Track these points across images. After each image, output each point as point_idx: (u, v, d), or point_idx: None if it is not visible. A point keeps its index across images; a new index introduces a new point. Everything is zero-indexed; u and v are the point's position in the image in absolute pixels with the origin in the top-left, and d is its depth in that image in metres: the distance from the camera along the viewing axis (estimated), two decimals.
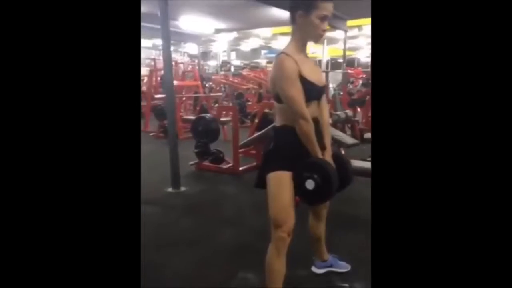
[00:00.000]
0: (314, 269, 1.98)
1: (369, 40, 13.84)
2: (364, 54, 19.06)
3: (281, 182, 1.47)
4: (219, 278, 1.95)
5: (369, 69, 11.89)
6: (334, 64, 15.69)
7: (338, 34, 11.71)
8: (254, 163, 4.38)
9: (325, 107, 1.62)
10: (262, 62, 19.53)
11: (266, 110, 5.01)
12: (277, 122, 1.53)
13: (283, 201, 1.47)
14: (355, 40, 15.30)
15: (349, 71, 10.33)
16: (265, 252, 1.54)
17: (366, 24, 10.03)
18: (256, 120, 4.85)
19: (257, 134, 4.44)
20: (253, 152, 4.51)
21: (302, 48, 1.47)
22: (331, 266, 1.98)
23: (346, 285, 1.90)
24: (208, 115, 4.48)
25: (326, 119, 1.61)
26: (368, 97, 7.18)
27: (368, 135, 5.82)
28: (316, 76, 1.46)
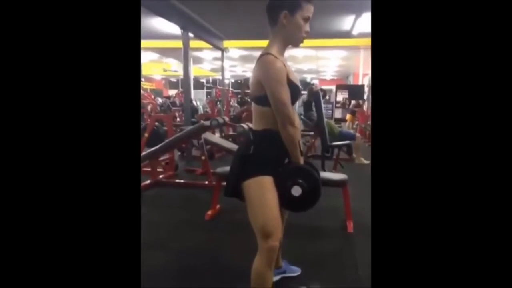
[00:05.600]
0: None
1: (232, 62, 14.62)
2: (227, 75, 19.98)
3: (266, 188, 1.36)
4: None
5: (236, 90, 12.51)
6: (196, 84, 15.82)
7: (203, 54, 11.96)
8: (149, 181, 4.00)
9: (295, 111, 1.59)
10: None
11: (157, 124, 4.69)
12: (257, 126, 1.43)
13: (271, 208, 1.35)
14: (219, 61, 15.92)
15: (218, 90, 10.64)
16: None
17: (232, 47, 10.56)
18: (146, 135, 4.47)
19: (150, 150, 4.09)
20: (148, 169, 4.11)
21: (283, 51, 1.42)
22: (284, 272, 1.95)
23: (304, 287, 1.88)
24: None
25: (298, 123, 1.58)
26: (244, 114, 7.55)
27: None
28: (297, 79, 1.43)
